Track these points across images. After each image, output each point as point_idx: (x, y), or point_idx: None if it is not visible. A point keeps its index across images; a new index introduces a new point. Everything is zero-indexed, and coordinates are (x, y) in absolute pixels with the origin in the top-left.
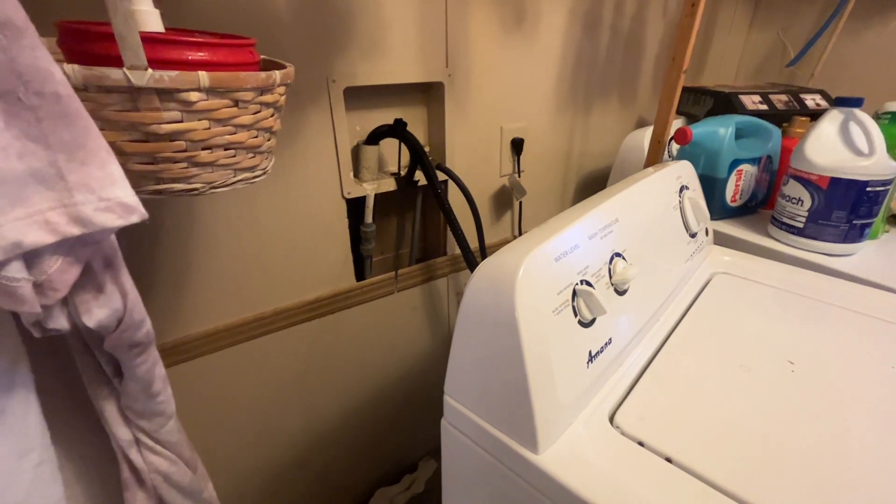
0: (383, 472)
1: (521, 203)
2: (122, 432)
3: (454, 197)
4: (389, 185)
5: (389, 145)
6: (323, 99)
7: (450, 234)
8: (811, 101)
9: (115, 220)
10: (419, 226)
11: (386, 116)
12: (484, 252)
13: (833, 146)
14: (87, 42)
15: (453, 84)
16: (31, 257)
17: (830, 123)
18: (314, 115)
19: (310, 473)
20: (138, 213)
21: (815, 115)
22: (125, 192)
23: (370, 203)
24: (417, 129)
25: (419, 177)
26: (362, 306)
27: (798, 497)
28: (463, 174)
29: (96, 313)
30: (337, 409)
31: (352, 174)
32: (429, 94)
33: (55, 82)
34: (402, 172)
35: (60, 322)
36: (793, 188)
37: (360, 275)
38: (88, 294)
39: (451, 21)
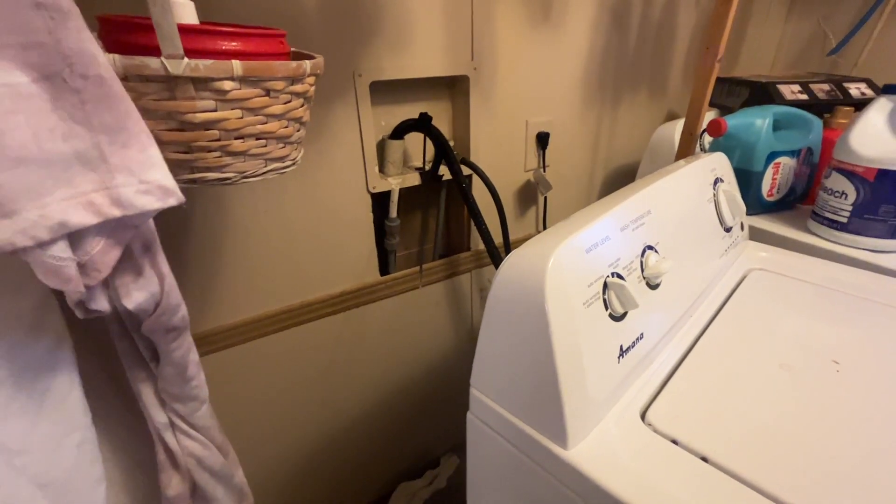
0: (405, 466)
1: (545, 198)
2: (158, 415)
3: (478, 192)
4: (414, 179)
5: (414, 140)
6: (349, 94)
7: (473, 230)
8: (856, 89)
9: (154, 203)
10: (443, 221)
11: (411, 111)
12: (508, 248)
13: (881, 136)
14: (127, 33)
15: (479, 77)
16: (74, 238)
17: (878, 112)
18: (340, 109)
19: (332, 466)
20: (176, 197)
21: (860, 104)
22: (164, 175)
23: (395, 198)
24: (442, 124)
25: (444, 171)
26: (386, 301)
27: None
28: (487, 169)
29: (135, 296)
30: (360, 403)
31: (377, 169)
32: (454, 87)
33: (98, 65)
34: (427, 167)
35: (102, 303)
36: (836, 181)
37: (383, 269)
38: (128, 277)
39: (476, 13)
